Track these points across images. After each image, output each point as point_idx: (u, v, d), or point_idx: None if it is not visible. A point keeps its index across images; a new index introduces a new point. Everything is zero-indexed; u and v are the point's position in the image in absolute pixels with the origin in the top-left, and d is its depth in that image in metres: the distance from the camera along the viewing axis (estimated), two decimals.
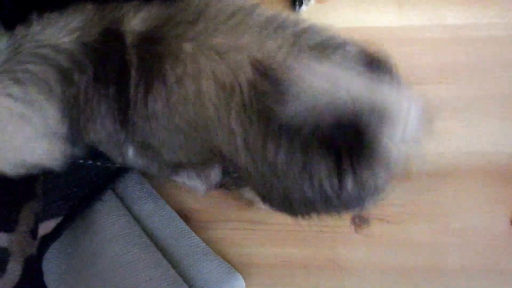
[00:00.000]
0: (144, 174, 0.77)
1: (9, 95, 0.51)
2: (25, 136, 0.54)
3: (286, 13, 0.51)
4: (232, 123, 0.47)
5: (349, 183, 0.45)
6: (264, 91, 0.44)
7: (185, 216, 0.78)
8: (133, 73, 0.50)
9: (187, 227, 0.74)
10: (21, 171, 0.56)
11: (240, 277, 0.72)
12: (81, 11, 0.53)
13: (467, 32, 0.83)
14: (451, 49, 0.83)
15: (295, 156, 0.45)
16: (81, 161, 0.70)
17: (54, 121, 0.54)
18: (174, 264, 0.68)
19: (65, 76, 0.50)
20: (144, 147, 0.55)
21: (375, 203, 0.51)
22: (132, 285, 0.63)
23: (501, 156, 0.77)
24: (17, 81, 0.50)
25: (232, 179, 0.72)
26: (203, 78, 0.47)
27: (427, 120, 0.43)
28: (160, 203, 0.76)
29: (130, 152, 0.56)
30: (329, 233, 0.75)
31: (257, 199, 0.64)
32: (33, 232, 0.75)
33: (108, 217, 0.69)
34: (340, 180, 0.45)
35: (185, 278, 0.67)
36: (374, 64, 0.47)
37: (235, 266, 0.74)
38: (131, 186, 0.75)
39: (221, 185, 0.72)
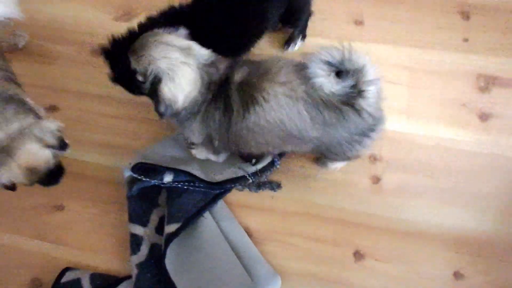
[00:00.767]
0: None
1: None
2: None
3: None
4: (300, 111, 0.94)
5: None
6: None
7: (247, 232, 1.25)
8: (235, 105, 0.97)
9: (250, 240, 1.21)
10: None
11: (280, 279, 1.18)
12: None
13: (446, 143, 1.31)
14: (433, 152, 1.30)
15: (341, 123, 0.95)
16: (190, 186, 1.19)
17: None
18: (241, 262, 1.16)
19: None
20: (230, 145, 1.06)
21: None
22: (222, 271, 1.11)
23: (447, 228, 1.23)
24: None
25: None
26: (280, 95, 0.94)
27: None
28: (234, 221, 1.23)
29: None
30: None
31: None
32: (158, 229, 1.23)
33: (207, 227, 1.17)
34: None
35: (248, 271, 1.14)
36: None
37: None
38: (219, 208, 1.23)
39: None
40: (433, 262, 1.20)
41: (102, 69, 1.44)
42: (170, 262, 1.14)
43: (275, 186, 1.28)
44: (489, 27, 1.46)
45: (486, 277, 1.18)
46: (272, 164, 1.26)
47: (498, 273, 1.18)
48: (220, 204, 1.25)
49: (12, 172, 0.99)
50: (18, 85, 1.16)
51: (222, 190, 1.24)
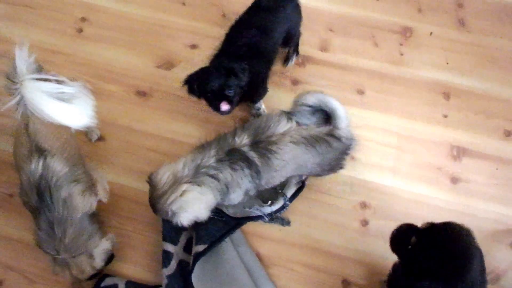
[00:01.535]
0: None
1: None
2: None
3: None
4: (303, 149, 1.34)
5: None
6: None
7: (258, 256, 1.56)
8: (256, 160, 1.29)
9: (260, 263, 1.52)
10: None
11: None
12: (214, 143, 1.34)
13: (423, 199, 1.67)
14: (412, 205, 1.65)
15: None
16: (216, 217, 1.51)
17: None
18: (253, 281, 1.46)
19: None
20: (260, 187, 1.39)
21: None
22: (238, 286, 1.41)
23: None
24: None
25: None
26: (287, 142, 1.30)
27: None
28: (248, 247, 1.55)
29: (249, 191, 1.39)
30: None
31: None
32: (185, 248, 1.54)
33: (227, 250, 1.49)
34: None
35: None
36: None
37: None
38: (237, 235, 1.55)
39: None
40: None
41: (145, 108, 1.80)
42: (195, 275, 1.45)
43: (285, 222, 1.61)
44: (464, 108, 1.85)
45: None
46: (283, 207, 1.59)
47: None
48: (238, 232, 1.57)
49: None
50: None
51: (240, 222, 1.56)
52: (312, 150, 1.33)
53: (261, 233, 1.61)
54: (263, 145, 1.31)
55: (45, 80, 1.30)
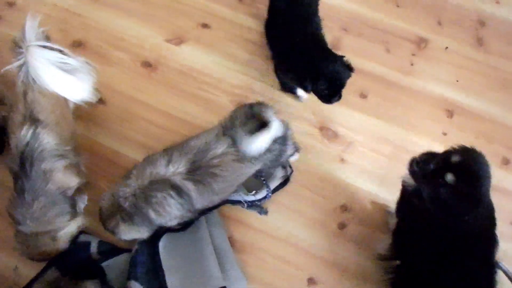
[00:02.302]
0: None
1: None
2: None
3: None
4: (247, 164, 1.39)
5: None
6: None
7: (230, 240, 1.63)
8: (189, 189, 1.31)
9: (230, 247, 1.59)
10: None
11: (246, 283, 1.55)
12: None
13: None
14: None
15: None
16: None
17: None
18: (219, 262, 1.53)
19: None
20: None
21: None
22: (203, 265, 1.48)
23: None
24: None
25: None
26: (230, 162, 1.33)
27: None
28: (222, 229, 1.61)
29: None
30: None
31: None
32: None
33: (200, 228, 1.56)
34: None
35: (223, 271, 1.52)
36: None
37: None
38: (213, 216, 1.62)
39: None
40: None
41: (148, 80, 1.87)
42: (164, 245, 1.53)
43: (263, 211, 1.66)
44: (466, 128, 1.86)
45: None
46: (264, 197, 1.64)
47: None
48: (216, 213, 1.64)
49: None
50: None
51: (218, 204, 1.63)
52: (255, 160, 1.37)
53: (238, 218, 1.67)
54: (202, 171, 1.33)
55: (51, 49, 1.36)
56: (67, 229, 1.45)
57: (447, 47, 2.03)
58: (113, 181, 1.69)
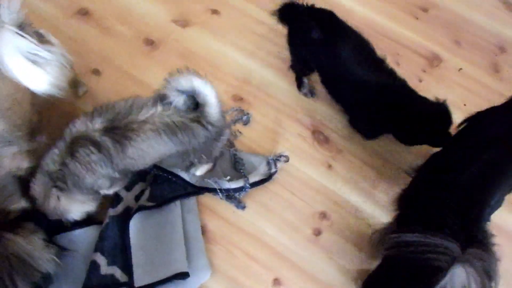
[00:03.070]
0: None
1: None
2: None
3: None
4: (164, 139, 1.35)
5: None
6: None
7: (203, 229, 1.64)
8: (108, 145, 1.31)
9: (202, 236, 1.60)
10: None
11: (209, 274, 1.55)
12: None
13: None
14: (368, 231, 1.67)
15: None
16: (173, 179, 1.61)
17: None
18: (187, 250, 1.55)
19: None
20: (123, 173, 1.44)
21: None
22: (170, 250, 1.50)
23: None
24: None
25: None
26: (147, 131, 1.32)
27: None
28: (197, 217, 1.62)
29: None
30: None
31: None
32: (137, 197, 1.64)
33: (174, 213, 1.58)
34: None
35: (189, 257, 1.53)
36: None
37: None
38: (190, 202, 1.64)
39: None
40: None
41: (147, 57, 1.89)
42: (135, 224, 1.55)
43: (240, 206, 1.67)
44: None
45: None
46: (242, 188, 1.65)
47: None
48: (192, 199, 1.65)
49: None
50: None
51: (197, 190, 1.65)
52: (174, 138, 1.35)
53: (214, 209, 1.68)
54: (119, 131, 1.32)
55: (24, 37, 1.29)
56: (20, 204, 1.42)
57: (461, 69, 2.00)
58: None
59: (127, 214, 1.59)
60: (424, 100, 1.56)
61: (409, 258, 1.13)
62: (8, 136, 1.38)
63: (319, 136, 1.82)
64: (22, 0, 1.30)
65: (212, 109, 1.35)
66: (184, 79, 1.31)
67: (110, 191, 1.56)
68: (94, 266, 1.50)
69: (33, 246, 1.37)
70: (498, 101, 1.90)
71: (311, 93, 1.89)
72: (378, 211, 1.70)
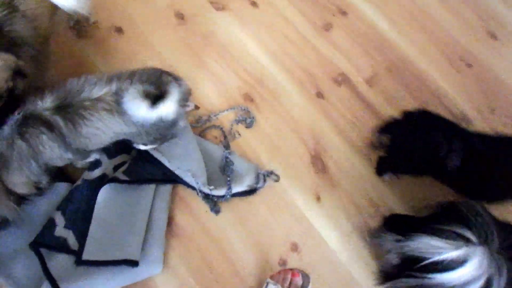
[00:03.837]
0: None
1: None
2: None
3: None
4: (117, 119, 1.30)
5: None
6: None
7: (169, 220, 1.60)
8: (59, 123, 1.27)
9: (165, 227, 1.55)
10: None
11: (161, 268, 1.50)
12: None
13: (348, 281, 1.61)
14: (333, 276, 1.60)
15: None
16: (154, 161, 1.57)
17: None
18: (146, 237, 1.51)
19: None
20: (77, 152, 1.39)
21: None
22: (129, 232, 1.46)
23: None
24: None
25: None
26: (100, 110, 1.28)
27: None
28: (166, 206, 1.57)
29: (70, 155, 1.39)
30: None
31: None
32: (115, 167, 1.60)
33: (146, 195, 1.54)
34: None
35: (146, 246, 1.49)
36: None
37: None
38: (165, 189, 1.59)
39: None
40: None
41: (173, 31, 1.83)
42: (103, 197, 1.51)
43: (214, 209, 1.61)
44: None
45: None
46: (223, 196, 1.60)
47: None
48: (168, 187, 1.60)
49: None
50: None
51: (175, 179, 1.59)
52: (126, 120, 1.32)
53: (187, 202, 1.62)
54: (71, 109, 1.29)
55: None
56: None
57: None
58: None
59: (101, 182, 1.55)
60: None
61: None
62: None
63: (318, 163, 1.75)
64: None
65: (173, 107, 1.32)
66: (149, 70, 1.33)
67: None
68: (50, 224, 1.48)
69: None
70: None
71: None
72: (352, 257, 1.62)
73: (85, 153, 1.51)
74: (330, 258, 1.61)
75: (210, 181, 1.62)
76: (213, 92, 1.80)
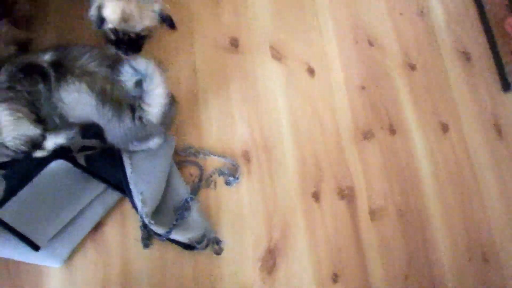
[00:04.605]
0: None
1: None
2: None
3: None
4: (91, 102, 1.27)
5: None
6: None
7: (100, 223, 1.51)
8: (52, 77, 1.26)
9: (89, 227, 1.46)
10: None
11: (59, 264, 1.41)
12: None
13: None
14: None
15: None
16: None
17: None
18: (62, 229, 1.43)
19: None
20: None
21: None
22: (50, 219, 1.40)
23: None
24: None
25: None
26: (83, 82, 1.26)
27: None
28: (102, 211, 1.49)
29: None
30: None
31: None
32: (81, 149, 1.55)
33: (89, 190, 1.47)
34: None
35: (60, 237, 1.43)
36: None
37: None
38: (109, 195, 1.51)
39: None
40: None
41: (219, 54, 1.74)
42: (52, 166, 1.46)
43: (145, 241, 1.51)
44: None
45: None
46: (159, 235, 1.50)
47: None
48: (116, 195, 1.53)
49: None
50: None
51: (126, 192, 1.50)
52: (101, 110, 1.30)
53: (125, 220, 1.53)
54: (63, 70, 1.29)
55: None
56: None
57: None
58: None
59: (60, 153, 1.50)
60: None
61: None
62: None
63: (270, 261, 1.61)
64: None
65: (154, 109, 1.31)
66: (142, 62, 1.28)
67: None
68: None
69: None
70: None
71: None
72: None
73: (66, 124, 1.46)
74: None
75: (157, 214, 1.51)
76: (218, 130, 1.69)
